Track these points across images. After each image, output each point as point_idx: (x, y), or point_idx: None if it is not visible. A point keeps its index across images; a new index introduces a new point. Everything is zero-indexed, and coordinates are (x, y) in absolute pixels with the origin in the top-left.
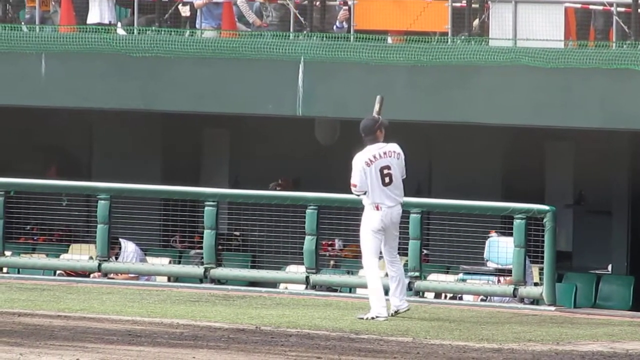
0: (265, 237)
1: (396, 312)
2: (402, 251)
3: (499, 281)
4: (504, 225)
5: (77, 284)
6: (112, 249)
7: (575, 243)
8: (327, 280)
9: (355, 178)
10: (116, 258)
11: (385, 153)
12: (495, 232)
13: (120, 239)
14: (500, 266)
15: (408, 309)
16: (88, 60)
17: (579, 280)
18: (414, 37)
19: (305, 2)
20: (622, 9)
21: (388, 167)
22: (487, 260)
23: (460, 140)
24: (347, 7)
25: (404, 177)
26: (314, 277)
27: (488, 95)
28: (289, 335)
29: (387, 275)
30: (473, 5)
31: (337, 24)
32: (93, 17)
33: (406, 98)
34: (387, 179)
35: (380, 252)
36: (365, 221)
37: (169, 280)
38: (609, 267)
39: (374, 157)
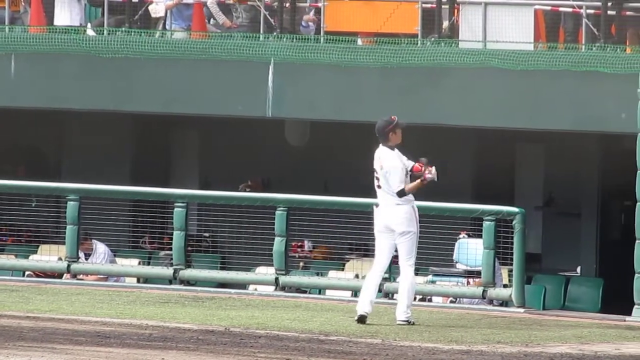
0: (235, 239)
1: (404, 324)
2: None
3: (468, 283)
4: (474, 227)
5: (46, 285)
6: (84, 243)
7: (545, 245)
8: (297, 282)
9: None
10: (87, 257)
11: (379, 158)
12: (466, 232)
13: (92, 240)
14: (469, 268)
15: (407, 322)
16: (58, 60)
17: (548, 282)
18: (384, 39)
19: (276, 3)
20: (592, 11)
21: (376, 172)
22: (456, 262)
23: (430, 141)
24: (314, 11)
25: (393, 191)
26: (283, 279)
27: (458, 97)
28: (258, 336)
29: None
30: (443, 7)
31: (303, 23)
32: (63, 19)
33: (376, 100)
34: (377, 182)
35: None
36: None
37: (138, 281)
38: (578, 269)
39: (374, 158)
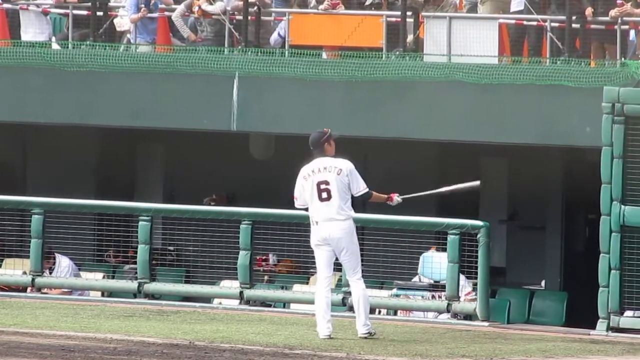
0: (200, 252)
1: (366, 336)
2: (336, 266)
3: (433, 297)
4: (438, 241)
5: (10, 298)
6: (47, 261)
7: (509, 258)
8: (261, 295)
9: (296, 191)
10: (50, 272)
11: (325, 168)
12: (436, 248)
13: (55, 253)
14: (433, 282)
15: (368, 333)
16: (23, 74)
17: (512, 295)
18: (349, 53)
19: (240, 17)
20: (556, 24)
21: (326, 182)
22: (421, 276)
23: (394, 155)
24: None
25: (358, 192)
26: (248, 292)
27: (422, 110)
28: (222, 350)
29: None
30: (407, 21)
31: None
32: (30, 35)
33: (341, 113)
34: (324, 194)
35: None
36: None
37: (102, 295)
38: (543, 283)
39: (313, 171)
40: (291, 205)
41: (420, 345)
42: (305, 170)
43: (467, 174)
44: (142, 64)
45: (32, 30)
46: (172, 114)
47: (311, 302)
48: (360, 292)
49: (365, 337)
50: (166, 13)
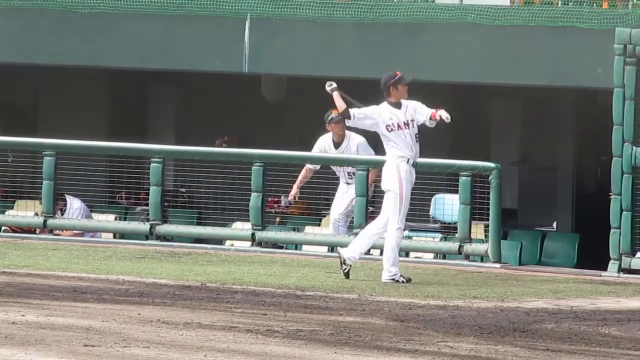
0: (211, 194)
1: (390, 282)
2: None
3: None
4: (450, 183)
5: (23, 240)
6: (57, 204)
7: (521, 200)
8: (273, 237)
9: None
10: (62, 214)
11: None
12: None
13: (66, 195)
14: (445, 223)
15: (392, 280)
16: (34, 15)
17: (524, 237)
18: None
19: None
20: None
21: None
22: (432, 218)
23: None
24: None
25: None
26: (259, 234)
27: (434, 52)
28: (234, 292)
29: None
30: None
31: None
32: None
33: (352, 55)
34: None
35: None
36: None
37: (114, 236)
38: (554, 225)
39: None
40: (302, 147)
41: (431, 287)
42: None
43: (478, 116)
44: (153, 6)
45: None
46: (184, 56)
47: (323, 244)
48: (389, 238)
49: (388, 283)
50: None
